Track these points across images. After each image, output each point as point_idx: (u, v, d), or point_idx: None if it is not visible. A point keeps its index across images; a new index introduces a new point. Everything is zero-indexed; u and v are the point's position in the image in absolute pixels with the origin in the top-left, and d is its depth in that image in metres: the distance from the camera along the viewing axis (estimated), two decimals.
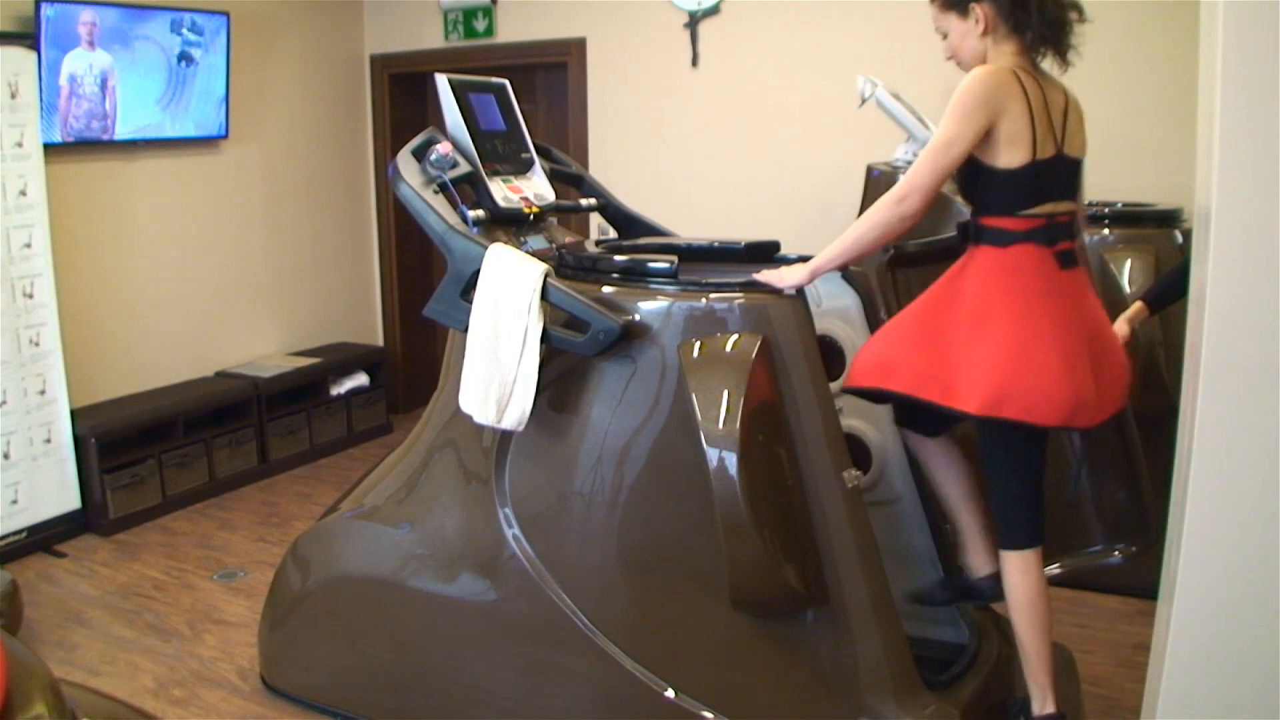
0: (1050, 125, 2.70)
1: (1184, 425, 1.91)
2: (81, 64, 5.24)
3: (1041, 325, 2.66)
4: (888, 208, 2.66)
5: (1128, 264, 4.15)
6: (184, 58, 5.74)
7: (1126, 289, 4.09)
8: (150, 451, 5.51)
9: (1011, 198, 2.67)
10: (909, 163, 4.68)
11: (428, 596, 3.25)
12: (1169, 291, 3.46)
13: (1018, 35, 2.73)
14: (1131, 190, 4.80)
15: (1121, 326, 3.42)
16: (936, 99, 5.22)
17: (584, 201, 3.78)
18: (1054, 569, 3.28)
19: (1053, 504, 3.26)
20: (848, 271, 3.11)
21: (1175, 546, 1.89)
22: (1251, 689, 1.81)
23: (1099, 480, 3.28)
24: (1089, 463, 3.27)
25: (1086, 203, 4.59)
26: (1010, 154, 2.64)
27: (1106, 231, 4.31)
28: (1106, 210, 4.48)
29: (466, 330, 2.95)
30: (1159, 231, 4.32)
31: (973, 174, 2.73)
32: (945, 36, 2.84)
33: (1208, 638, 1.84)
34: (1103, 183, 4.90)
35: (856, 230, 2.71)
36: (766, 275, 2.80)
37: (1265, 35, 1.62)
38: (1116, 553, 3.30)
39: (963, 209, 4.51)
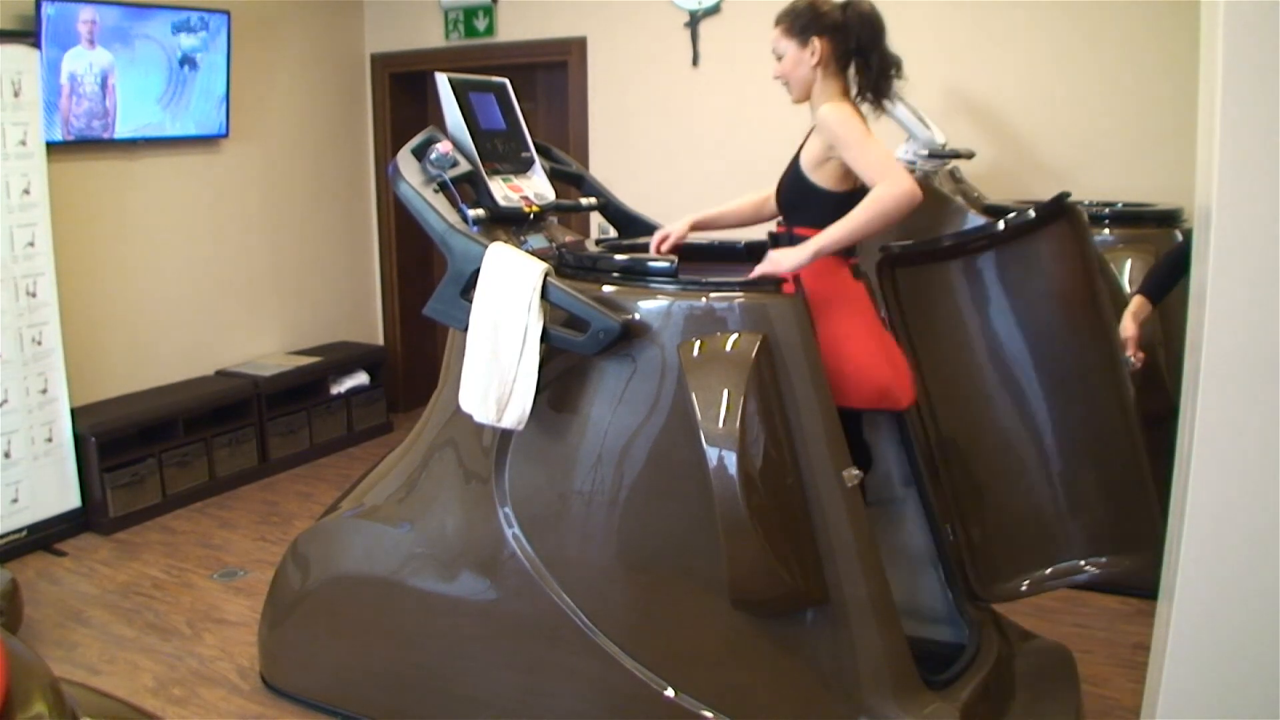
0: None
1: (1184, 424, 1.91)
2: (81, 63, 5.24)
3: (848, 322, 2.98)
4: (903, 193, 2.74)
5: (1128, 264, 4.15)
6: (185, 58, 5.74)
7: (1127, 289, 4.08)
8: (150, 450, 5.51)
9: (831, 217, 2.84)
10: (910, 162, 4.70)
11: (427, 596, 3.25)
12: (1167, 279, 3.43)
13: (844, 76, 3.03)
14: (1132, 190, 4.81)
15: (1128, 325, 3.41)
16: (937, 99, 5.24)
17: (584, 201, 3.78)
18: (1023, 585, 3.26)
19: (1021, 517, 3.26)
20: (856, 270, 3.12)
21: (1175, 546, 1.89)
22: (1252, 689, 1.81)
23: (1077, 489, 3.25)
24: (1065, 471, 3.23)
25: (1088, 202, 4.63)
26: (843, 181, 2.93)
27: (1107, 232, 4.31)
28: (1107, 210, 4.48)
29: (466, 329, 2.95)
30: (1159, 231, 4.31)
31: (803, 191, 3.01)
32: (780, 58, 3.04)
33: (1208, 637, 1.84)
34: (1103, 183, 4.92)
35: (868, 215, 2.76)
36: (764, 267, 2.83)
37: (1266, 34, 1.62)
38: (1094, 567, 3.26)
39: (962, 206, 4.55)
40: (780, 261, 2.82)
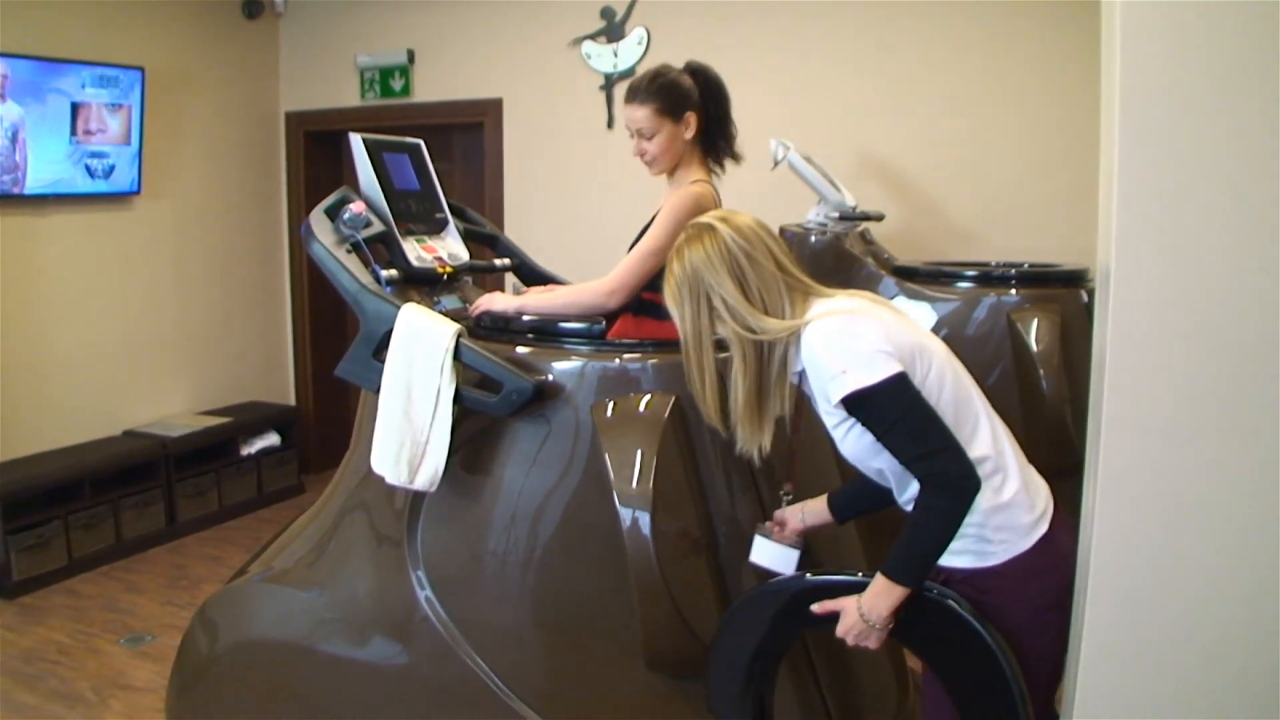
0: None
1: (1089, 480, 1.95)
2: None
3: None
4: (596, 296, 3.02)
5: (1034, 324, 4.21)
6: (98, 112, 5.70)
7: (1034, 348, 4.15)
8: (56, 512, 5.41)
9: None
10: (821, 224, 4.76)
11: (339, 661, 3.20)
12: (862, 504, 2.68)
13: (703, 145, 3.23)
14: (1038, 250, 4.90)
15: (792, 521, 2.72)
16: (847, 162, 5.33)
17: (498, 261, 3.78)
18: None
19: None
20: None
21: (1081, 605, 1.93)
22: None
23: None
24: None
25: (994, 263, 4.71)
26: None
27: (1013, 292, 4.38)
28: (1013, 271, 4.56)
29: (379, 390, 2.93)
30: (1065, 291, 4.39)
31: None
32: (649, 137, 3.16)
33: (1112, 682, 1.87)
34: (1009, 243, 5.01)
35: (562, 299, 3.08)
36: (481, 301, 3.16)
37: (1162, 95, 1.68)
38: None
39: (872, 268, 4.61)
40: (493, 301, 3.12)
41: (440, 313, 3.01)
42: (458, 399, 2.82)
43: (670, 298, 2.37)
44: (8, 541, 5.16)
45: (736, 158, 3.30)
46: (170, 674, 3.68)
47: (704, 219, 2.39)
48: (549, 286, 3.40)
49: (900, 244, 5.13)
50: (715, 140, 3.24)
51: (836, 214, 4.79)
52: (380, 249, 3.29)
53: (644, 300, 3.16)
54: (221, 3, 6.77)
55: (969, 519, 2.17)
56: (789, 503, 2.73)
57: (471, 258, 3.58)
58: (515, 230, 6.28)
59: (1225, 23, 1.65)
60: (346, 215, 3.17)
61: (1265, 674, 1.76)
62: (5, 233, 5.52)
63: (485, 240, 3.87)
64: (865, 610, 2.21)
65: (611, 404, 2.76)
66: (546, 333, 2.99)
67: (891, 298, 4.59)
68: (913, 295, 4.55)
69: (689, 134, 3.15)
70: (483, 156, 6.62)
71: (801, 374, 2.35)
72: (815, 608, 2.33)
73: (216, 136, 6.82)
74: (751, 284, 2.30)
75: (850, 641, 2.27)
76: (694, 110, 3.14)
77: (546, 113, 6.32)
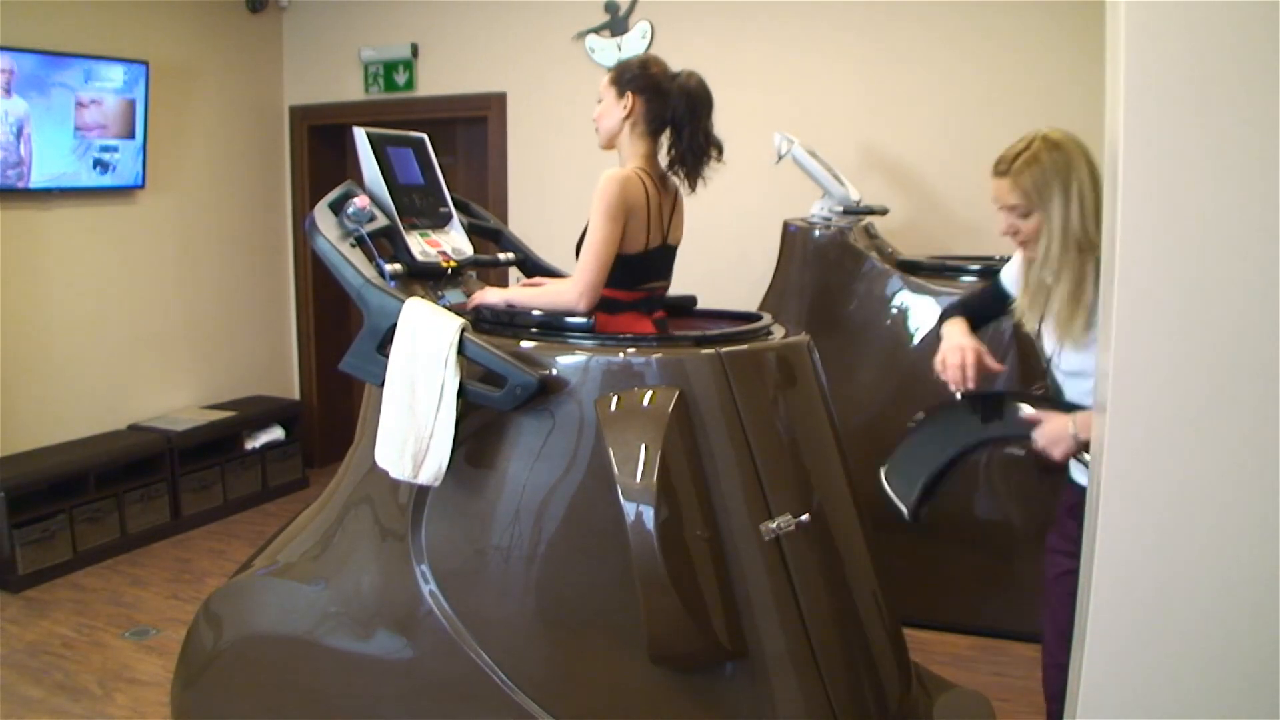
0: (660, 221, 3.17)
1: (1093, 473, 1.95)
2: None
3: None
4: (568, 300, 3.00)
5: None
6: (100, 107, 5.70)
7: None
8: (61, 506, 5.41)
9: (623, 276, 3.10)
10: (825, 219, 4.75)
11: (343, 655, 3.21)
12: (985, 313, 3.26)
13: (653, 141, 3.23)
14: None
15: (959, 349, 3.00)
16: (851, 156, 5.32)
17: (502, 256, 3.78)
18: None
19: None
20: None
21: (1086, 591, 1.93)
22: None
23: None
24: None
25: (999, 257, 4.70)
26: (629, 244, 3.08)
27: None
28: None
29: (383, 385, 2.93)
30: None
31: None
32: (600, 101, 3.26)
33: (1116, 681, 1.87)
34: None
35: (541, 298, 3.07)
36: (477, 295, 3.21)
37: (1166, 89, 1.67)
38: None
39: (876, 262, 4.60)
40: (485, 295, 3.18)
41: (444, 307, 3.01)
42: (462, 393, 2.82)
43: (1036, 189, 2.80)
44: (13, 535, 5.16)
45: (700, 178, 3.24)
46: (175, 668, 3.69)
47: (1058, 133, 2.76)
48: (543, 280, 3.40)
49: (904, 238, 5.12)
50: (676, 150, 3.20)
51: (840, 208, 4.78)
52: (384, 243, 3.29)
53: (610, 300, 3.14)
54: None
55: None
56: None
57: (475, 252, 3.58)
58: (519, 225, 6.28)
59: (1229, 18, 1.65)
60: (350, 209, 3.17)
61: (1268, 674, 1.76)
62: (10, 227, 5.52)
63: (489, 235, 3.87)
64: (1079, 427, 2.54)
65: (615, 398, 2.76)
66: (551, 327, 2.99)
67: (896, 292, 4.59)
68: (917, 290, 4.55)
69: (624, 113, 3.19)
70: (486, 151, 6.61)
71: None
72: (1027, 414, 2.74)
73: (220, 130, 6.83)
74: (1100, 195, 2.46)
75: (1042, 443, 2.63)
76: (639, 94, 3.18)
77: (550, 107, 6.32)
